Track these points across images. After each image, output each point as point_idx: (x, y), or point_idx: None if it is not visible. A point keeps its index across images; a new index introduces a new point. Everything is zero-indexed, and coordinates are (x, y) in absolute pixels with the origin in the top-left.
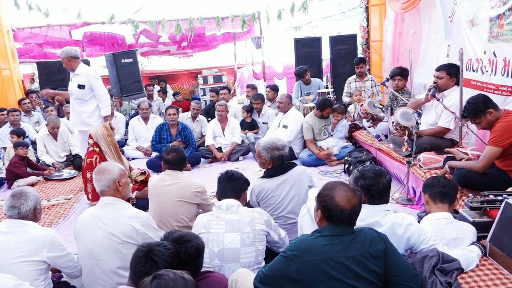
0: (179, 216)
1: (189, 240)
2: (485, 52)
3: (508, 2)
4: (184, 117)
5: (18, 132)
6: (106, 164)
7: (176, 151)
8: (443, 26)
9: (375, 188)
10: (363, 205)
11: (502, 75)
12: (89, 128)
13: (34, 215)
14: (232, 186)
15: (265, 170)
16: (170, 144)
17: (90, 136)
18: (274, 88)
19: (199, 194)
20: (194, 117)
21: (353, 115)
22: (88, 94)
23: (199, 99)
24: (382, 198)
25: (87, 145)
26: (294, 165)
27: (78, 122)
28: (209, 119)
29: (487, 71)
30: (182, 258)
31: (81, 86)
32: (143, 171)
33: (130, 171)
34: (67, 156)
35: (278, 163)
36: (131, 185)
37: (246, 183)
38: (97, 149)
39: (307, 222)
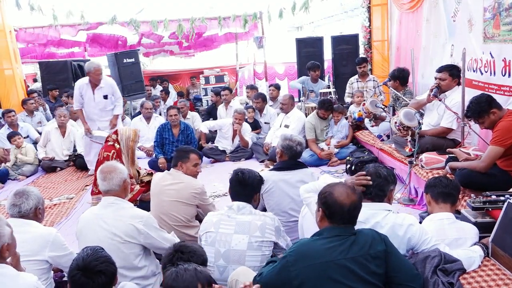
0: (176, 216)
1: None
2: (483, 53)
3: (503, 3)
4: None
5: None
6: (113, 163)
7: (178, 151)
8: (446, 26)
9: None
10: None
11: (503, 75)
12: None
13: (35, 214)
14: (244, 190)
15: (276, 163)
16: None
17: (115, 132)
18: (278, 87)
19: (198, 195)
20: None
21: (353, 116)
22: (111, 104)
23: (200, 99)
24: (375, 189)
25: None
26: (305, 166)
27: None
28: (211, 119)
29: (486, 72)
30: None
31: (105, 97)
32: (150, 172)
33: (139, 176)
34: (69, 156)
35: (287, 154)
36: (138, 186)
37: (260, 183)
38: (117, 146)
39: (308, 222)
